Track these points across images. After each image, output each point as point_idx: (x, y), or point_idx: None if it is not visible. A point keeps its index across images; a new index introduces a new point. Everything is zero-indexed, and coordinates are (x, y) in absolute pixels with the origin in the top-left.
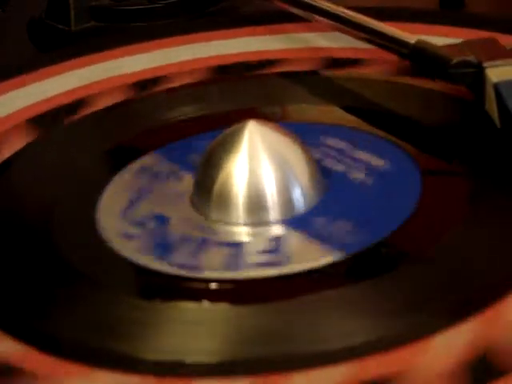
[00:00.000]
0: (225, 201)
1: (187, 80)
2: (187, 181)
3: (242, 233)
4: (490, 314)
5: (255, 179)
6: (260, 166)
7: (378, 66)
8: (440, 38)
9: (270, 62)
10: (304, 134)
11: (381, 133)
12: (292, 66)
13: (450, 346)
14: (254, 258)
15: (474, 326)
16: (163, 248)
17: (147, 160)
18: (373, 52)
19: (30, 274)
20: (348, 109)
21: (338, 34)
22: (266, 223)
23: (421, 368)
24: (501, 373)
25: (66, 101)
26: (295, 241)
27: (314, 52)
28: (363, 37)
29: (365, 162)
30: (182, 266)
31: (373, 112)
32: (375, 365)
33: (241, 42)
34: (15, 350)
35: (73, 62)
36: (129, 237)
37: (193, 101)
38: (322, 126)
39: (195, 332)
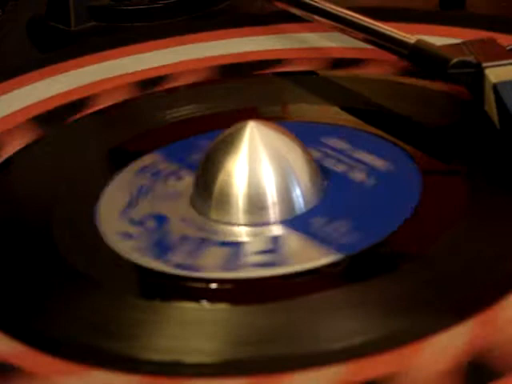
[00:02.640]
0: (225, 201)
1: (187, 80)
2: (187, 180)
3: (242, 233)
4: (489, 314)
5: (255, 179)
6: (260, 166)
7: (377, 67)
8: (440, 38)
9: (270, 62)
10: (304, 133)
11: (381, 133)
12: (292, 66)
13: (448, 346)
14: (253, 257)
15: (473, 326)
16: (161, 247)
17: (147, 160)
18: (372, 52)
19: (30, 274)
20: (348, 109)
21: (338, 34)
22: (266, 223)
23: (419, 368)
24: (499, 374)
25: (66, 101)
26: (295, 241)
27: (313, 52)
28: (363, 37)
29: (365, 163)
30: (179, 266)
31: (373, 112)
32: (374, 365)
33: (241, 42)
34: (14, 348)
35: (73, 61)
36: (128, 236)
37: (193, 101)
38: (322, 126)
39: (195, 332)
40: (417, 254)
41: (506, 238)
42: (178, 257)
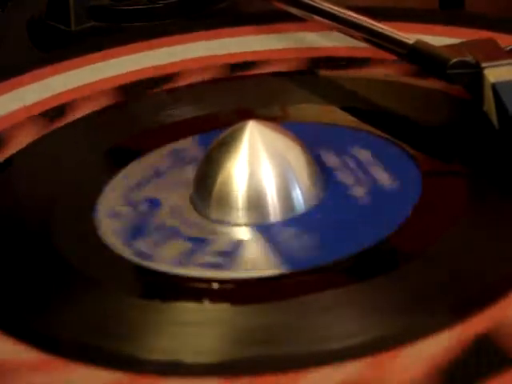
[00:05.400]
0: (224, 200)
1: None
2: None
3: (242, 232)
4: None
5: (255, 179)
6: (260, 165)
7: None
8: (439, 37)
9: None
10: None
11: (380, 133)
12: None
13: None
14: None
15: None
16: (135, 233)
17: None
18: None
19: (29, 274)
20: (348, 109)
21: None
22: (266, 223)
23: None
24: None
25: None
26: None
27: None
28: (362, 37)
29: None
30: (139, 254)
31: (373, 112)
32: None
33: (240, 41)
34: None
35: (73, 61)
36: (115, 216)
37: (193, 101)
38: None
39: (195, 332)
40: (417, 253)
41: (505, 237)
42: (143, 244)
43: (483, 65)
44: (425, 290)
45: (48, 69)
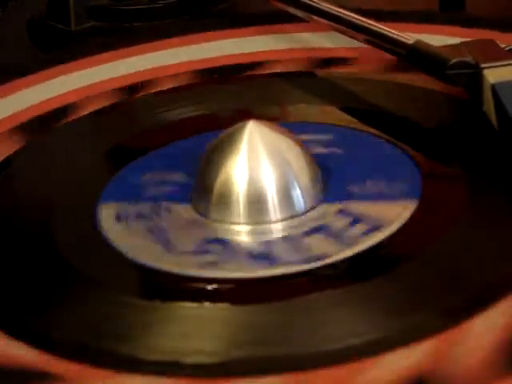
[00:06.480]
0: (225, 200)
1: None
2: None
3: (242, 232)
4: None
5: (255, 179)
6: (260, 166)
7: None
8: (439, 38)
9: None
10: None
11: (380, 133)
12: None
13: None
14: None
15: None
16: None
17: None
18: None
19: (29, 274)
20: (348, 109)
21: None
22: (266, 223)
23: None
24: None
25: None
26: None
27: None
28: (361, 38)
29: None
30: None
31: (372, 113)
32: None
33: (240, 42)
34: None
35: (73, 62)
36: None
37: (192, 101)
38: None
39: (195, 332)
40: (416, 254)
41: (505, 237)
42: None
43: (483, 65)
44: (425, 290)
45: (47, 69)
